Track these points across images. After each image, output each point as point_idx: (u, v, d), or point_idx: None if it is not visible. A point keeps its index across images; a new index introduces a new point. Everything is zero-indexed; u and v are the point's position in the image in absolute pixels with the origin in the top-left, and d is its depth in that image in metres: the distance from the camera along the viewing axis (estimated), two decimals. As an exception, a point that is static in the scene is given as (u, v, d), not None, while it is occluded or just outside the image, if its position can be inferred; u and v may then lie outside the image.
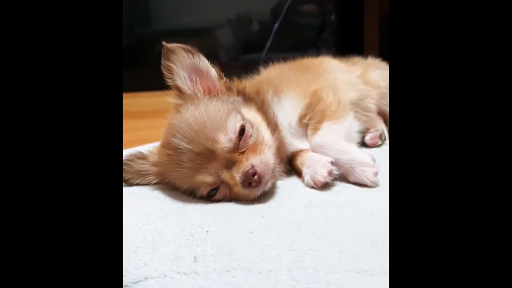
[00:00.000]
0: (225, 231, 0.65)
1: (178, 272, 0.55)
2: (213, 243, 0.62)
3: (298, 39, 2.55)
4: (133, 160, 0.86)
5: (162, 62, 0.82)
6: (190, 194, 0.80)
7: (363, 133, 1.09)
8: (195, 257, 0.58)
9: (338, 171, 0.82)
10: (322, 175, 0.80)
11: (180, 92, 0.83)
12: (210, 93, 0.85)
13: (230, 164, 0.74)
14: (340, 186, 0.83)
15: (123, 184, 0.88)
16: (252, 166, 0.73)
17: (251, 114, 0.84)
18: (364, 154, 0.83)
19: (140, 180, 0.88)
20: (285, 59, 1.18)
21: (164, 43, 0.81)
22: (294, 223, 0.67)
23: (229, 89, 0.86)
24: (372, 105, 1.13)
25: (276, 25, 2.45)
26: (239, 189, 0.75)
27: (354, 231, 0.63)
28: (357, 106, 1.07)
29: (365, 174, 0.80)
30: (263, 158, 0.76)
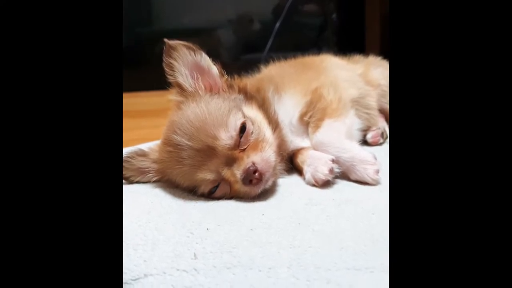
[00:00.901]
0: (225, 229, 0.65)
1: (177, 269, 0.55)
2: (213, 241, 0.61)
3: (299, 39, 2.55)
4: (133, 157, 0.86)
5: (163, 59, 0.82)
6: (190, 191, 0.79)
7: (365, 131, 1.09)
8: (195, 254, 0.58)
9: (339, 169, 0.82)
10: (323, 173, 0.80)
11: (181, 89, 0.83)
12: (212, 90, 0.85)
13: (230, 161, 0.74)
14: (341, 184, 0.83)
15: (124, 181, 0.88)
16: (253, 164, 0.73)
17: (252, 112, 0.84)
18: (365, 152, 0.83)
19: (141, 177, 0.88)
20: (286, 58, 1.18)
21: (165, 40, 0.81)
22: (294, 220, 0.66)
23: (230, 86, 0.86)
24: (373, 102, 1.13)
25: (277, 25, 2.45)
26: (239, 187, 0.74)
27: (354, 228, 0.63)
28: (358, 103, 1.06)
29: (366, 172, 0.80)
30: (264, 156, 0.76)
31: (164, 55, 0.81)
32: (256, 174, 0.73)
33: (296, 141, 0.91)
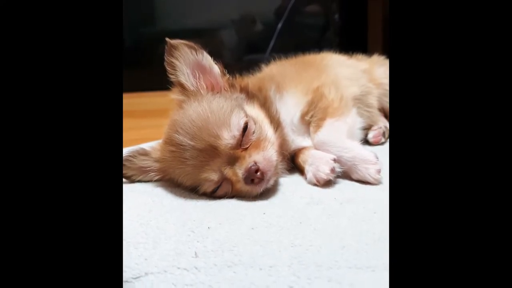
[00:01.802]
0: (226, 227, 0.65)
1: (178, 268, 0.55)
2: (214, 239, 0.61)
3: (302, 39, 2.55)
4: (135, 156, 0.86)
5: (165, 58, 0.82)
6: (192, 190, 0.79)
7: (366, 130, 1.08)
8: (195, 253, 0.58)
9: (341, 168, 0.81)
10: (324, 172, 0.80)
11: (183, 88, 0.83)
12: (213, 89, 0.84)
13: (232, 160, 0.74)
14: (343, 183, 0.83)
15: (126, 180, 0.88)
16: (255, 163, 0.73)
17: (254, 111, 0.83)
18: (367, 151, 0.83)
19: (142, 176, 0.88)
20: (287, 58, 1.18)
21: (167, 39, 0.81)
22: (296, 219, 0.66)
23: (232, 85, 0.86)
24: (374, 101, 1.13)
25: (279, 25, 2.45)
26: (241, 186, 0.74)
27: (356, 227, 0.62)
28: (360, 101, 1.06)
29: (368, 172, 0.80)
30: (266, 155, 0.75)
31: (166, 54, 0.81)
32: (258, 173, 0.73)
33: (297, 140, 0.91)
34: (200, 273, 0.53)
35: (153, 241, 0.62)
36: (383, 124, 1.15)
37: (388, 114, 1.21)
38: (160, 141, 0.88)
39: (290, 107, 0.91)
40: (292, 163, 0.91)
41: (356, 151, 0.83)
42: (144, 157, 0.87)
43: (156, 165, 0.86)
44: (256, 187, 0.74)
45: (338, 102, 0.93)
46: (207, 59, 0.83)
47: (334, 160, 0.81)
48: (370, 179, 0.80)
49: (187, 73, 0.83)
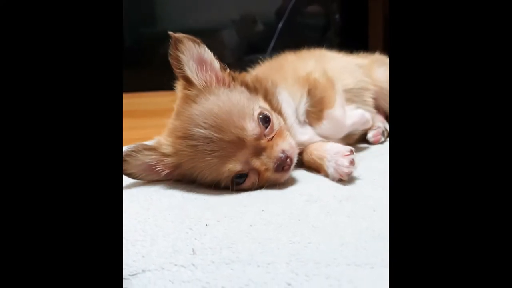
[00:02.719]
0: (225, 225, 0.64)
1: (176, 265, 0.54)
2: (212, 236, 0.61)
3: (302, 39, 2.55)
4: (140, 151, 0.83)
5: (170, 52, 0.80)
6: (212, 185, 0.79)
7: (365, 130, 1.08)
8: (193, 250, 0.57)
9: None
10: (344, 165, 0.81)
11: (189, 83, 0.82)
12: (223, 84, 0.84)
13: (259, 151, 0.76)
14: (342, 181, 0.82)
15: (129, 177, 0.86)
16: (283, 151, 0.76)
17: (262, 103, 0.84)
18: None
19: (146, 174, 0.85)
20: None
21: (171, 33, 0.80)
22: (294, 217, 0.66)
23: (233, 79, 0.86)
24: (369, 99, 1.12)
25: (279, 25, 2.45)
26: (270, 174, 0.77)
27: (355, 225, 0.62)
28: (355, 96, 1.06)
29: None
30: (291, 143, 0.80)
31: (170, 48, 0.80)
32: (288, 160, 0.77)
33: (299, 131, 0.92)
34: (197, 270, 0.53)
35: (151, 239, 0.62)
36: (382, 123, 1.14)
37: (387, 114, 1.21)
38: (160, 137, 0.87)
39: (289, 100, 0.92)
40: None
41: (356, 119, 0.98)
42: (150, 152, 0.84)
43: (167, 160, 0.83)
44: (286, 173, 0.79)
45: (328, 86, 0.96)
46: (208, 53, 0.83)
47: (351, 152, 0.82)
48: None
49: (194, 67, 0.82)
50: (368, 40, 2.41)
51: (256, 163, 0.76)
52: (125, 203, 0.67)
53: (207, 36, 2.58)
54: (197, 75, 0.81)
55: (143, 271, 0.54)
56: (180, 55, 0.80)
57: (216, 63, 0.84)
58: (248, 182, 0.79)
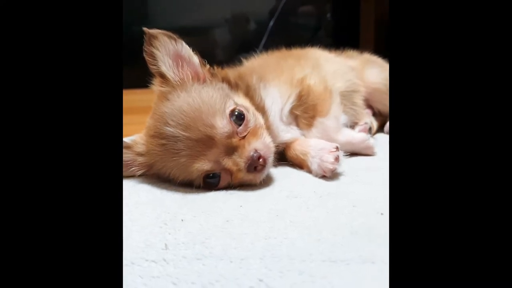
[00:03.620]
0: (201, 220, 0.63)
1: (146, 260, 0.53)
2: (186, 231, 0.59)
3: (294, 38, 2.54)
4: None
5: (144, 48, 0.79)
6: (188, 185, 0.77)
7: (352, 127, 1.07)
8: (166, 245, 0.56)
9: (345, 154, 0.83)
10: (329, 162, 0.79)
11: (165, 79, 0.80)
12: (198, 80, 0.82)
13: (230, 150, 0.72)
14: (325, 177, 0.81)
15: None
16: (256, 150, 0.72)
17: (241, 100, 0.82)
18: (360, 134, 0.95)
19: (124, 171, 0.85)
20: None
21: (145, 29, 0.79)
22: (273, 212, 0.64)
23: (213, 75, 0.84)
24: (359, 100, 1.11)
25: (271, 23, 2.44)
26: (243, 175, 0.73)
27: (334, 220, 0.60)
28: (345, 98, 1.04)
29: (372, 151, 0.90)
30: (265, 142, 0.76)
31: (144, 44, 0.79)
32: (260, 160, 0.72)
33: (283, 130, 0.90)
34: (168, 266, 0.51)
35: (125, 234, 0.60)
36: (369, 120, 1.13)
37: (385, 116, 1.21)
38: (140, 134, 0.85)
39: (276, 98, 0.90)
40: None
41: (349, 138, 0.92)
42: (126, 150, 0.83)
43: (140, 159, 0.82)
44: (259, 174, 0.74)
45: (324, 94, 0.93)
46: (186, 49, 0.81)
47: (337, 148, 0.81)
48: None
49: (169, 63, 0.80)
50: (359, 41, 2.41)
51: (228, 163, 0.72)
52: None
53: (200, 34, 2.61)
54: (172, 71, 0.79)
55: (113, 266, 0.52)
56: (155, 51, 0.78)
57: (195, 59, 0.82)
58: (222, 183, 0.75)
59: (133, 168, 0.83)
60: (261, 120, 0.80)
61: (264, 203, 0.68)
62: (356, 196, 0.69)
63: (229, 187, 0.76)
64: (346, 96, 1.06)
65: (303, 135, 0.92)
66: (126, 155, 0.82)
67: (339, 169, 0.80)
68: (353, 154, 0.92)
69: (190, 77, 0.80)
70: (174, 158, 0.73)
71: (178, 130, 0.72)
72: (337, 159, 0.79)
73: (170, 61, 0.80)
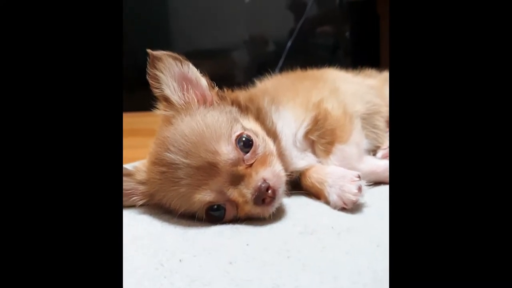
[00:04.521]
0: (201, 260, 0.55)
1: (135, 309, 0.46)
2: (183, 274, 0.52)
3: (312, 58, 2.49)
4: None
5: (148, 71, 0.74)
6: (192, 217, 0.70)
7: (373, 151, 0.98)
8: (159, 291, 0.49)
9: (368, 184, 0.73)
10: (351, 192, 0.70)
11: (169, 103, 0.75)
12: (204, 103, 0.76)
13: (236, 179, 0.65)
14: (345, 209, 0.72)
15: None
16: (264, 180, 0.65)
17: (251, 124, 0.75)
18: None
19: (123, 200, 0.78)
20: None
21: (149, 50, 0.74)
22: (283, 253, 0.56)
23: (222, 98, 0.78)
24: (380, 122, 1.02)
25: (288, 44, 2.41)
26: (250, 208, 0.66)
27: (354, 263, 0.52)
28: (366, 121, 0.96)
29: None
30: (274, 170, 0.68)
31: (148, 66, 0.73)
32: (269, 191, 0.64)
33: (297, 156, 0.82)
34: (159, 318, 0.44)
35: (115, 275, 0.53)
36: None
37: None
38: (144, 161, 0.79)
39: (289, 121, 0.82)
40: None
41: (372, 169, 0.82)
42: (126, 178, 0.77)
43: (141, 188, 0.76)
44: (268, 207, 0.66)
45: (343, 119, 0.84)
46: (193, 71, 0.76)
47: (359, 177, 0.73)
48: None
49: (173, 86, 0.74)
50: (379, 59, 2.33)
51: (233, 193, 0.65)
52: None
53: (219, 56, 2.61)
54: (177, 95, 0.74)
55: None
56: (159, 73, 0.73)
57: (203, 81, 0.76)
58: (228, 217, 0.68)
59: (134, 198, 0.76)
60: (271, 146, 0.73)
61: (273, 241, 0.60)
62: (380, 233, 0.60)
63: (235, 220, 0.68)
64: (367, 119, 0.97)
65: (320, 163, 0.84)
66: (127, 184, 0.76)
67: (361, 201, 0.72)
68: (376, 182, 0.83)
69: (196, 100, 0.74)
70: (174, 188, 0.67)
71: (178, 157, 0.66)
72: (359, 189, 0.71)
73: (175, 84, 0.74)
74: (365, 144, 0.89)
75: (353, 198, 0.70)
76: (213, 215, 0.67)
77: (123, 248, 0.59)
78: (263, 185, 0.64)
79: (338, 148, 0.82)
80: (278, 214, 0.69)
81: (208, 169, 0.65)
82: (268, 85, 0.98)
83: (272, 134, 0.78)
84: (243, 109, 0.78)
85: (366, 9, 2.41)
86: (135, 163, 0.84)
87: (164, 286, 0.50)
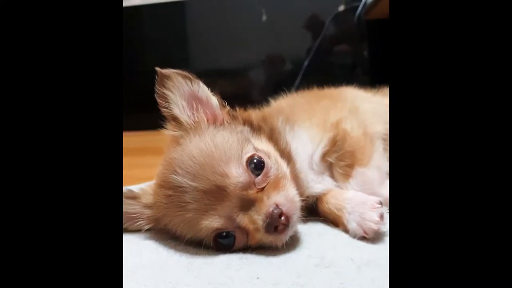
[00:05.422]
0: (206, 295, 0.50)
1: None
2: (185, 312, 0.47)
3: (330, 77, 2.46)
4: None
5: (156, 90, 0.71)
6: (199, 244, 0.65)
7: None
8: (156, 332, 0.44)
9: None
10: (372, 220, 0.65)
11: (177, 122, 0.71)
12: (214, 123, 0.72)
13: (246, 204, 0.61)
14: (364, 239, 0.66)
15: None
16: (277, 205, 0.60)
17: (263, 144, 0.71)
18: None
19: (129, 224, 0.74)
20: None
21: (157, 68, 0.71)
22: (297, 288, 0.51)
23: (234, 118, 0.74)
24: None
25: (305, 63, 2.38)
26: (261, 236, 0.61)
27: (376, 304, 0.46)
28: (386, 142, 0.90)
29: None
30: (288, 195, 0.63)
31: (156, 85, 0.70)
32: (282, 218, 0.59)
33: (313, 179, 0.76)
34: None
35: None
36: None
37: None
38: (151, 183, 0.75)
39: (305, 142, 0.78)
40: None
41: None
42: (132, 201, 0.73)
43: (147, 212, 0.72)
44: (281, 235, 0.61)
45: (364, 140, 0.79)
46: (203, 89, 0.72)
47: (381, 203, 0.67)
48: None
49: (182, 105, 0.71)
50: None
51: (243, 220, 0.60)
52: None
53: (236, 75, 2.62)
54: (186, 114, 0.70)
55: None
56: (167, 92, 0.69)
57: (214, 100, 0.73)
58: (237, 245, 0.63)
59: (139, 222, 0.72)
60: (284, 168, 0.68)
61: (286, 274, 0.55)
62: (405, 267, 0.54)
63: (245, 248, 0.63)
64: (388, 140, 0.92)
65: (338, 187, 0.78)
66: (133, 207, 0.72)
67: (383, 229, 0.66)
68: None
69: (206, 119, 0.71)
70: (180, 213, 0.62)
71: (185, 179, 0.61)
72: (381, 216, 0.65)
73: (184, 103, 0.71)
74: (387, 167, 0.83)
75: (374, 226, 0.65)
76: (222, 243, 0.62)
77: (123, 278, 0.55)
78: (275, 211, 0.59)
79: (358, 172, 0.77)
80: (292, 243, 0.64)
81: (216, 193, 0.60)
82: (283, 104, 0.94)
83: (286, 155, 0.73)
84: (256, 128, 0.74)
85: (384, 28, 2.38)
86: (142, 185, 0.80)
87: (163, 325, 0.45)
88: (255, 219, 0.59)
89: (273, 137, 0.74)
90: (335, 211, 0.72)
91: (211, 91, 0.75)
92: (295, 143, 0.76)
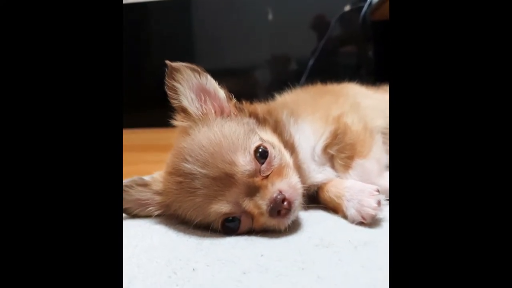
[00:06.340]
0: (214, 270, 0.55)
1: (145, 316, 0.45)
2: (196, 284, 0.51)
3: (335, 77, 2.49)
4: (132, 187, 0.78)
5: (166, 82, 0.75)
6: (207, 227, 0.69)
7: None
8: (169, 299, 0.48)
9: (387, 199, 0.71)
10: (370, 206, 0.69)
11: (186, 114, 0.76)
12: (222, 114, 0.77)
13: (252, 190, 0.65)
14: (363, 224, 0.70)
15: (126, 213, 0.79)
16: (280, 192, 0.64)
17: (268, 135, 0.75)
18: None
19: (139, 210, 0.79)
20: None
21: (168, 61, 0.75)
22: (298, 264, 0.55)
23: (240, 110, 0.78)
24: None
25: (310, 62, 2.41)
26: (265, 219, 0.65)
27: (370, 277, 0.50)
28: (386, 136, 0.94)
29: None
30: (291, 182, 0.67)
31: (166, 77, 0.75)
32: (285, 203, 0.63)
33: (314, 170, 0.80)
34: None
35: (128, 281, 0.53)
36: None
37: None
38: (161, 172, 0.80)
39: (308, 135, 0.82)
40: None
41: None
42: (143, 189, 0.78)
43: (157, 198, 0.77)
44: (283, 219, 0.65)
45: (364, 134, 0.83)
46: (211, 82, 0.76)
47: (378, 191, 0.71)
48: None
49: (191, 97, 0.75)
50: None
51: (249, 205, 0.64)
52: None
53: (242, 74, 2.65)
54: (195, 106, 0.74)
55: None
56: (177, 84, 0.73)
57: (221, 93, 0.77)
58: (242, 228, 0.67)
59: (150, 208, 0.77)
60: (288, 158, 0.72)
61: (288, 253, 0.59)
62: (399, 247, 0.59)
63: (250, 232, 0.68)
64: (387, 134, 0.95)
65: (339, 177, 0.82)
66: (144, 194, 0.77)
67: (380, 215, 0.70)
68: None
69: (214, 111, 0.75)
70: (190, 198, 0.66)
71: (195, 167, 0.66)
72: (379, 203, 0.69)
73: (193, 95, 0.75)
74: (385, 159, 0.87)
75: (372, 212, 0.69)
76: (228, 226, 0.67)
77: (137, 256, 0.60)
78: (278, 197, 0.63)
79: (358, 163, 0.81)
80: (294, 227, 0.68)
81: (224, 180, 0.65)
82: (288, 99, 0.98)
83: (290, 146, 0.77)
84: (261, 121, 0.78)
85: (389, 28, 2.41)
86: (153, 174, 0.84)
87: (175, 294, 0.49)
88: (260, 204, 0.64)
89: (277, 129, 0.78)
90: (335, 198, 0.76)
91: (218, 84, 0.79)
92: (298, 135, 0.80)
